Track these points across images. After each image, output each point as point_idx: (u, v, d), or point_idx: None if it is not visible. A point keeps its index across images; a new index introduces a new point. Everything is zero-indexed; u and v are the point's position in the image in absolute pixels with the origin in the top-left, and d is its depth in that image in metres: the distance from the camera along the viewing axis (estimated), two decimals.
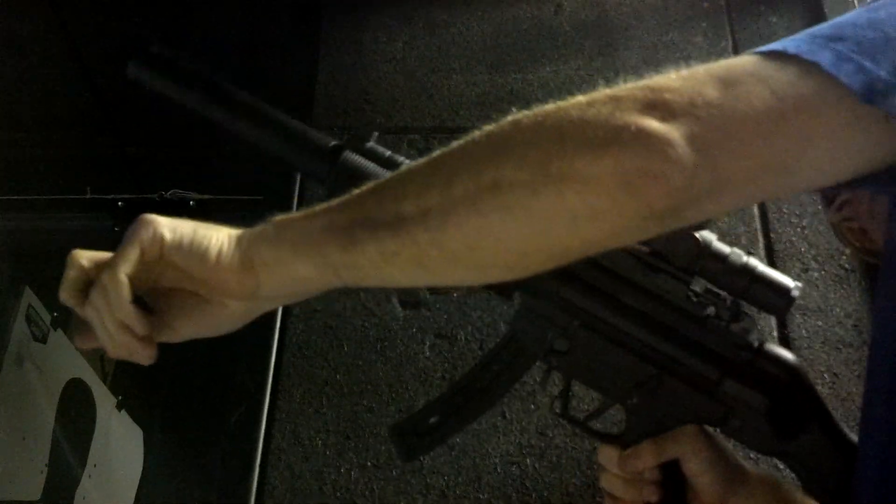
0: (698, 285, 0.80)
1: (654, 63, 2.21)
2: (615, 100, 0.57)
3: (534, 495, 1.67)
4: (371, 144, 0.87)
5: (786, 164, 0.55)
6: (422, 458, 1.71)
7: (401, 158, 0.86)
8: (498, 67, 2.28)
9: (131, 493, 1.55)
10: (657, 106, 0.55)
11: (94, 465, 1.42)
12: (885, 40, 0.54)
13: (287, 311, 1.91)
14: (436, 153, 0.60)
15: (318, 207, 0.64)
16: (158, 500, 1.61)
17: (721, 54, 2.25)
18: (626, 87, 0.58)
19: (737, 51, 2.26)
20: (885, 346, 0.64)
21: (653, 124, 0.54)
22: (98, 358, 1.65)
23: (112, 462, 1.49)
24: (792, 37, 0.58)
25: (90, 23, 1.88)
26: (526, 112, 0.58)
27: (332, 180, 0.86)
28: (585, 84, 2.23)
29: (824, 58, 0.54)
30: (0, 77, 1.81)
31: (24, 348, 1.28)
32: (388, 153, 0.87)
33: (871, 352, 0.66)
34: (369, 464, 1.71)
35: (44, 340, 1.35)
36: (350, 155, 0.86)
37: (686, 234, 0.79)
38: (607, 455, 0.86)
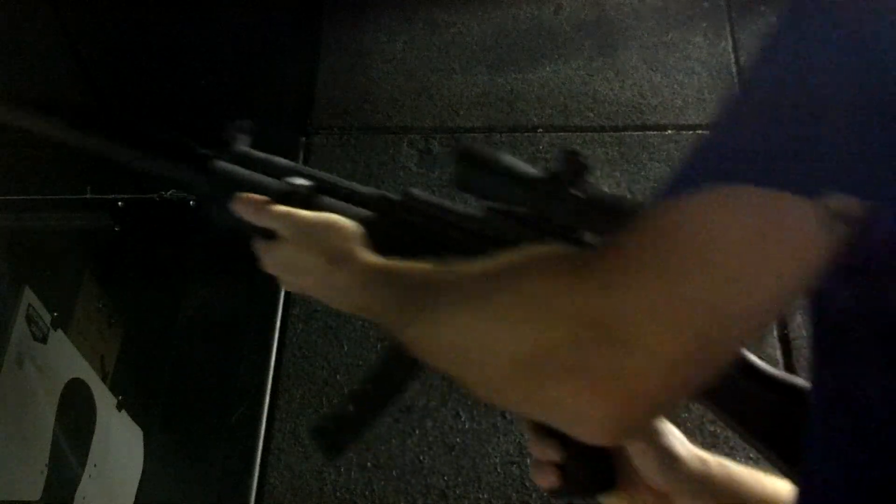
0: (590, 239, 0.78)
1: (654, 63, 2.21)
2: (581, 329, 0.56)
3: (534, 495, 1.67)
4: (242, 149, 0.85)
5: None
6: (422, 458, 1.71)
7: (277, 160, 0.85)
8: (498, 67, 2.28)
9: (131, 493, 1.55)
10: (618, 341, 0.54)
11: (94, 465, 1.42)
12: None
13: (287, 311, 1.91)
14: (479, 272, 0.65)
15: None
16: (158, 500, 1.61)
17: (721, 54, 2.25)
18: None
19: (737, 51, 2.27)
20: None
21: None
22: (98, 358, 1.65)
23: (112, 462, 1.48)
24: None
25: (90, 23, 1.88)
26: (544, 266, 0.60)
27: (209, 195, 0.84)
28: (585, 84, 2.24)
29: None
30: (0, 77, 1.81)
31: (24, 348, 1.28)
32: (264, 156, 0.85)
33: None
34: (369, 464, 1.71)
35: (44, 340, 1.35)
36: (219, 164, 0.84)
37: (567, 195, 0.75)
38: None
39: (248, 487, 1.69)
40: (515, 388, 0.60)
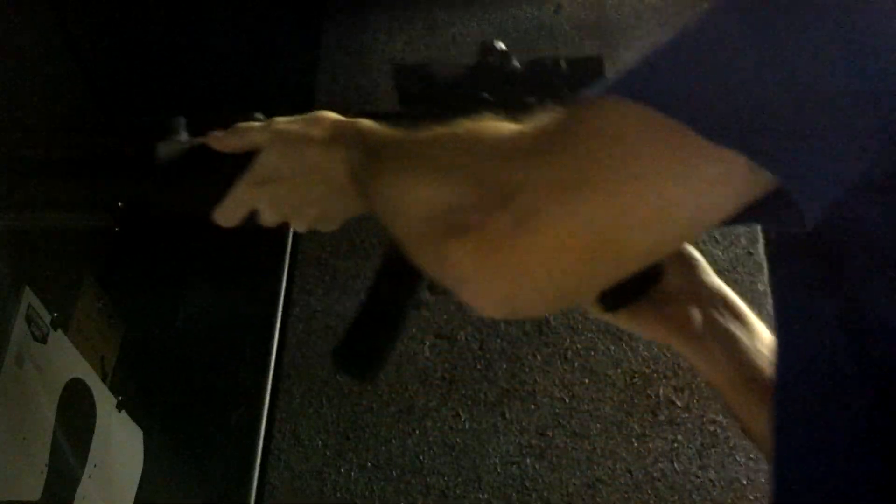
0: None
1: None
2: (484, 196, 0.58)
3: (534, 495, 1.67)
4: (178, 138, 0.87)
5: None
6: (422, 458, 1.71)
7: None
8: None
9: (131, 493, 1.55)
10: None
11: (94, 465, 1.42)
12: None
13: (287, 311, 1.91)
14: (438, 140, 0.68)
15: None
16: (158, 500, 1.61)
17: None
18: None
19: None
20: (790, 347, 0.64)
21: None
22: (98, 358, 1.65)
23: (112, 462, 1.48)
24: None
25: (90, 23, 1.88)
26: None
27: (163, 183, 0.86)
28: None
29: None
30: (0, 77, 1.81)
31: (24, 348, 1.28)
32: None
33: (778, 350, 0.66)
34: (369, 464, 1.71)
35: (44, 340, 1.35)
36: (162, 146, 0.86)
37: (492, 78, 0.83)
38: None
39: (248, 487, 1.69)
40: (422, 242, 0.63)
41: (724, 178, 0.51)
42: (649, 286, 0.84)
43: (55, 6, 1.74)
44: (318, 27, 2.38)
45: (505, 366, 1.82)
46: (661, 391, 1.78)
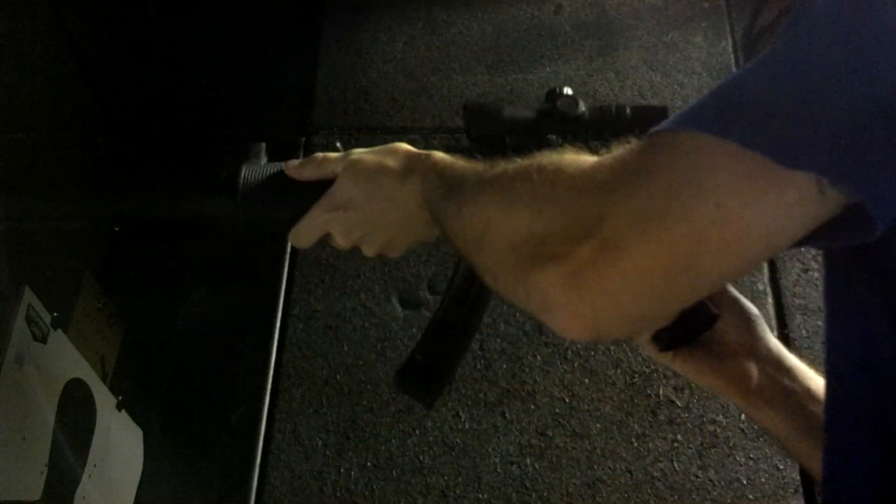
0: None
1: (654, 63, 2.21)
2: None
3: (534, 495, 1.67)
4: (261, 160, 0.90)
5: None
6: (422, 458, 1.71)
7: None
8: (498, 67, 2.28)
9: (131, 493, 1.55)
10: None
11: (94, 465, 1.42)
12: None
13: (287, 311, 1.91)
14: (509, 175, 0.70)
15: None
16: (158, 500, 1.61)
17: (721, 54, 2.25)
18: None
19: (736, 51, 2.26)
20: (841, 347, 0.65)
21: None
22: (98, 358, 1.65)
23: (112, 462, 1.48)
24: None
25: (90, 23, 1.88)
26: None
27: (244, 201, 0.88)
28: (585, 84, 2.24)
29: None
30: (0, 77, 1.81)
31: (24, 348, 1.28)
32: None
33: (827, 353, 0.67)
34: (369, 464, 1.71)
35: (44, 340, 1.35)
36: (245, 168, 0.88)
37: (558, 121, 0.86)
38: None
39: (248, 487, 1.69)
40: (507, 270, 0.65)
41: (798, 202, 0.53)
42: (703, 329, 0.86)
43: (55, 6, 1.74)
44: (318, 27, 2.38)
45: (505, 366, 1.82)
46: (661, 391, 1.78)
